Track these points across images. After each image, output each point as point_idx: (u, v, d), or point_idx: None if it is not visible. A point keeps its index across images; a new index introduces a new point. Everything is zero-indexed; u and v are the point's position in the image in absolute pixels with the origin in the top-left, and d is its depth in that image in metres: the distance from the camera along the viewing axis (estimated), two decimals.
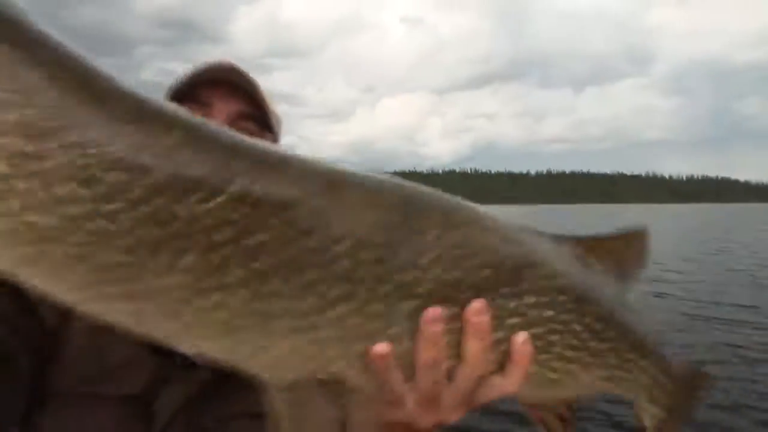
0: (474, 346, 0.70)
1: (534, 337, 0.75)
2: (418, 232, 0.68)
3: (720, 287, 13.76)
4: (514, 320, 0.74)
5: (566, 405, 0.89)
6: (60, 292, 0.59)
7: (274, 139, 1.20)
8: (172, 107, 0.62)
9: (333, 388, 0.70)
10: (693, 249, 23.18)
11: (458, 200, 0.76)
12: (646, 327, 0.90)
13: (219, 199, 0.59)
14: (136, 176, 0.57)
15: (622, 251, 0.89)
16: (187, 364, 0.99)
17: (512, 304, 0.74)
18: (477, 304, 0.69)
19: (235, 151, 0.62)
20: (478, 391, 0.74)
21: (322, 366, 0.68)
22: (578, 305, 0.79)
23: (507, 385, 0.74)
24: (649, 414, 0.95)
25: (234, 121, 1.10)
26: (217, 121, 0.98)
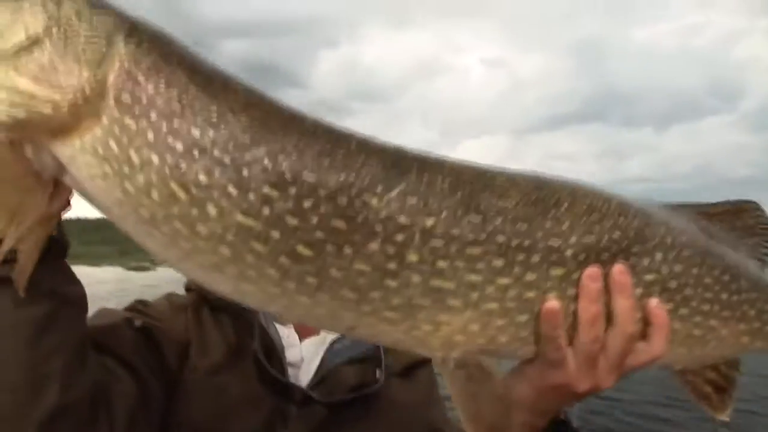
0: (622, 304, 0.82)
1: (670, 293, 0.87)
2: (554, 206, 0.81)
3: None
4: (650, 276, 0.85)
5: (718, 370, 0.97)
6: (259, 290, 0.71)
7: None
8: (342, 126, 0.80)
9: (490, 362, 0.79)
10: None
11: (578, 181, 0.89)
12: None
13: (392, 194, 0.74)
14: (323, 177, 0.71)
15: (733, 219, 0.97)
16: (305, 400, 1.13)
17: (645, 262, 0.85)
18: (619, 265, 0.82)
19: (399, 155, 0.79)
20: (629, 357, 0.86)
21: (492, 338, 0.80)
22: (703, 258, 0.89)
23: (653, 348, 0.86)
24: None
25: None
26: None
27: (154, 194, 0.70)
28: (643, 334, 0.86)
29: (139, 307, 1.16)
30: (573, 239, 0.79)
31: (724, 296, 0.91)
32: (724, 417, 1.01)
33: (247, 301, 0.78)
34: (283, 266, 0.69)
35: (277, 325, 1.20)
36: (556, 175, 0.87)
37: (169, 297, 1.23)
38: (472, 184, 0.77)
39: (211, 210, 0.68)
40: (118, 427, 0.94)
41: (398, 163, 0.76)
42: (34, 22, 0.72)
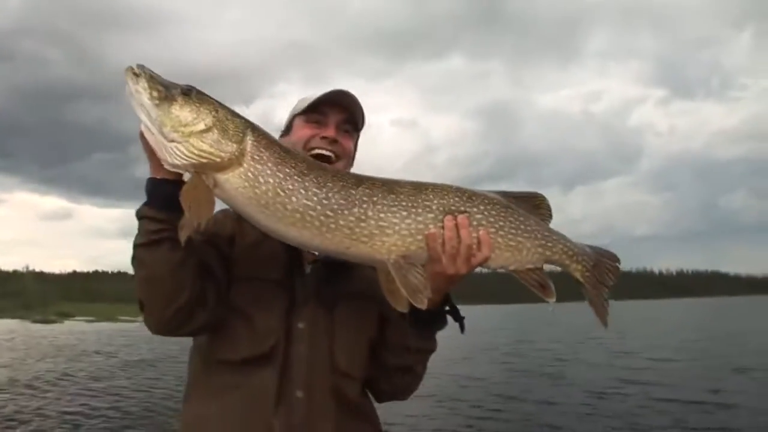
0: (463, 232, 1.54)
1: (491, 225, 1.60)
2: (424, 191, 1.59)
3: (697, 374, 14.10)
4: (479, 216, 1.59)
5: (536, 273, 1.65)
6: (299, 237, 1.52)
7: (358, 134, 1.93)
8: (346, 172, 1.67)
9: (411, 261, 1.54)
10: (676, 340, 23.57)
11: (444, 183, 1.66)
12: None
13: (355, 191, 1.54)
14: (328, 193, 1.51)
15: (528, 201, 1.70)
16: (315, 261, 1.76)
17: (475, 211, 1.59)
18: (461, 215, 1.56)
19: (369, 178, 1.59)
20: (472, 258, 1.55)
21: (407, 249, 1.54)
22: (507, 209, 1.63)
23: (483, 252, 1.56)
24: (575, 272, 1.71)
25: (339, 125, 1.83)
26: (330, 124, 1.82)
27: (269, 194, 1.47)
28: (479, 248, 1.55)
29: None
30: (435, 202, 1.56)
31: (523, 226, 1.63)
32: (551, 300, 1.64)
33: (304, 236, 1.52)
34: (320, 220, 1.50)
35: None
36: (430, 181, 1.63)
37: (222, 211, 1.76)
38: (384, 181, 1.58)
39: (293, 201, 1.48)
40: (212, 296, 1.62)
41: (363, 178, 1.57)
42: (207, 119, 1.47)
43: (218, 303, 1.65)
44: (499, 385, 13.47)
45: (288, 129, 1.90)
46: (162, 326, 1.61)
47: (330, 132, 1.81)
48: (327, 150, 1.80)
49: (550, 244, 1.67)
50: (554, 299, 1.66)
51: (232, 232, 1.76)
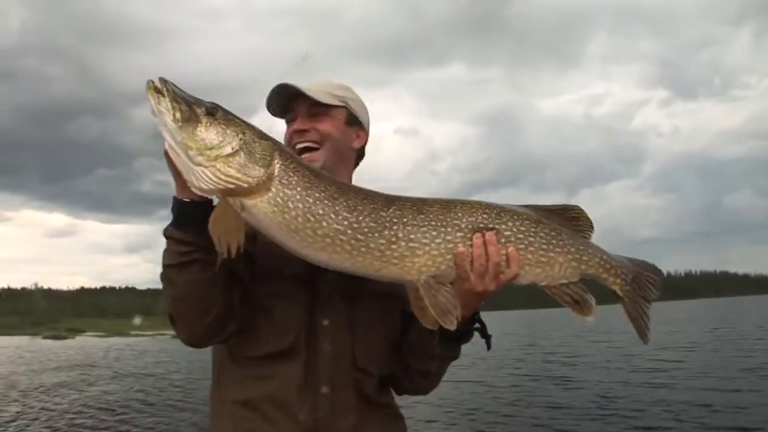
0: (491, 249, 1.53)
1: (520, 241, 1.57)
2: (453, 209, 1.58)
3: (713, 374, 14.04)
4: (507, 233, 1.57)
5: (570, 288, 1.61)
6: (341, 259, 1.50)
7: (349, 108, 1.83)
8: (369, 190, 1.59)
9: (441, 280, 1.53)
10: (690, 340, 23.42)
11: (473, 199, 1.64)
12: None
13: (389, 211, 1.53)
14: (360, 214, 1.50)
15: (564, 213, 1.67)
16: None
17: (503, 227, 1.57)
18: (489, 232, 1.55)
19: (391, 197, 1.57)
20: (500, 275, 1.54)
21: (437, 268, 1.54)
22: (537, 223, 1.60)
23: (512, 270, 1.55)
24: (613, 286, 1.66)
25: (307, 111, 1.76)
26: (296, 117, 1.78)
27: (298, 220, 1.45)
28: (508, 264, 1.53)
29: None
30: (465, 220, 1.53)
31: (555, 241, 1.59)
32: (589, 319, 1.59)
33: (334, 260, 1.50)
34: (351, 244, 1.48)
35: None
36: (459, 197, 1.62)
37: None
38: (413, 201, 1.56)
39: (324, 226, 1.46)
40: (239, 302, 1.63)
41: (392, 199, 1.54)
42: (234, 142, 1.43)
43: (243, 303, 1.65)
44: (507, 389, 13.46)
45: None
46: (194, 340, 1.65)
47: (297, 125, 1.78)
48: (302, 142, 1.76)
49: (585, 258, 1.63)
50: (592, 317, 1.62)
51: (253, 229, 1.66)
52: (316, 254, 1.51)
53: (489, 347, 1.74)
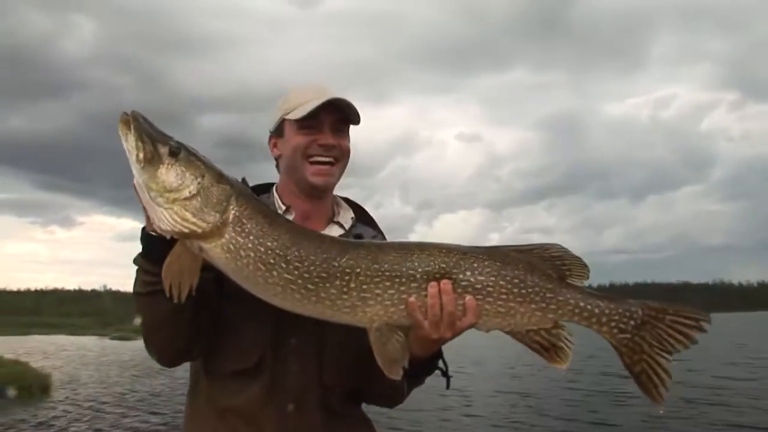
0: (446, 298, 1.49)
1: (478, 291, 1.51)
2: (410, 253, 1.53)
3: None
4: (464, 283, 1.51)
5: (540, 334, 1.53)
6: (292, 304, 1.51)
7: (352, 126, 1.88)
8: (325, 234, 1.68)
9: (394, 327, 1.51)
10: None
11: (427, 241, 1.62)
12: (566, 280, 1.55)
13: (343, 259, 1.52)
14: (314, 258, 1.51)
15: (543, 252, 1.57)
16: None
17: (461, 277, 1.52)
18: (445, 281, 1.50)
19: (348, 242, 1.61)
20: (456, 323, 1.50)
21: (390, 317, 1.51)
22: (499, 271, 1.53)
23: (468, 319, 1.51)
24: (602, 334, 1.52)
25: (333, 126, 1.80)
26: (325, 130, 1.79)
27: (249, 267, 1.47)
28: (464, 313, 1.49)
29: None
30: (420, 269, 1.50)
31: (516, 289, 1.51)
32: (563, 367, 1.51)
33: (286, 306, 1.52)
34: (301, 293, 1.48)
35: None
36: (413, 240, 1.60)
37: None
38: (370, 249, 1.53)
39: (274, 275, 1.47)
40: (207, 324, 1.66)
41: (348, 247, 1.53)
42: (192, 186, 1.45)
43: (211, 323, 1.69)
44: (555, 402, 13.11)
45: (279, 131, 1.87)
46: (163, 362, 1.72)
47: (328, 139, 1.78)
48: (325, 156, 1.78)
49: (552, 306, 1.53)
50: (565, 366, 1.52)
51: None
52: (268, 299, 1.53)
53: (448, 386, 1.73)
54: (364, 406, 1.93)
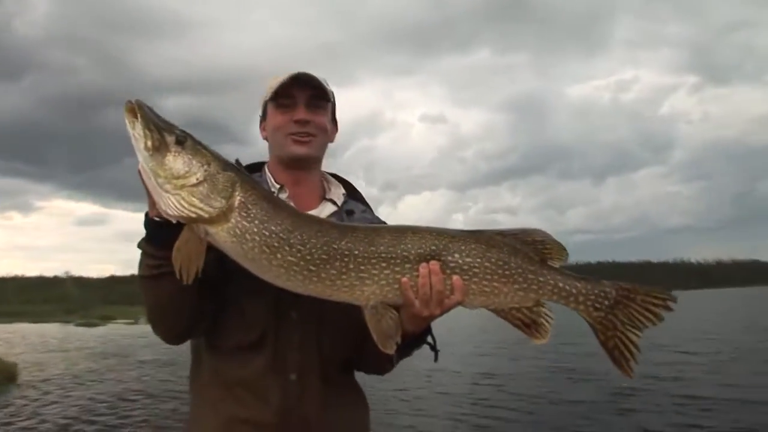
0: (434, 278, 1.59)
1: (465, 271, 1.62)
2: (404, 236, 1.63)
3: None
4: (452, 264, 1.62)
5: (522, 312, 1.64)
6: (296, 284, 1.60)
7: (333, 104, 2.02)
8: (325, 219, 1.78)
9: (388, 305, 1.62)
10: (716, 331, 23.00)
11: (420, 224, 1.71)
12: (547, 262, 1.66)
13: (337, 245, 1.60)
14: (316, 240, 1.60)
15: (525, 236, 1.67)
16: None
17: (449, 258, 1.62)
18: (434, 261, 1.61)
19: (346, 226, 1.69)
20: (444, 301, 1.61)
21: (385, 296, 1.62)
22: (484, 253, 1.63)
23: (455, 297, 1.62)
24: (580, 313, 1.64)
25: (308, 102, 1.90)
26: (299, 105, 1.88)
27: (255, 250, 1.53)
28: (452, 292, 1.60)
29: None
30: (413, 251, 1.59)
31: (501, 271, 1.62)
32: (541, 342, 1.64)
33: (289, 286, 1.60)
34: (303, 275, 1.57)
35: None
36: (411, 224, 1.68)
37: None
38: (366, 233, 1.62)
39: (278, 257, 1.55)
40: (210, 302, 1.74)
41: (346, 231, 1.62)
42: (199, 173, 1.51)
43: (214, 301, 1.77)
44: (509, 380, 13.42)
45: (264, 115, 2.00)
46: (169, 340, 1.81)
47: (300, 114, 1.89)
48: (301, 131, 1.89)
49: (534, 287, 1.64)
50: (543, 341, 1.63)
51: None
52: (272, 280, 1.62)
53: (436, 360, 1.84)
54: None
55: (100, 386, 14.60)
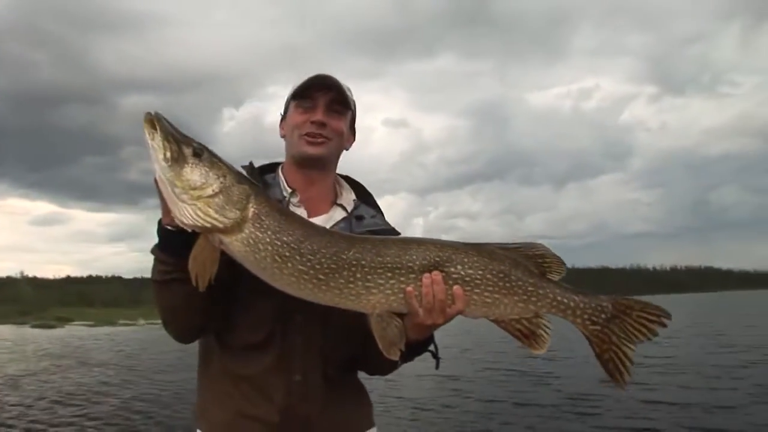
0: (437, 288, 1.66)
1: (467, 282, 1.68)
2: (408, 248, 1.70)
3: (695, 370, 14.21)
4: (455, 276, 1.68)
5: (522, 323, 1.70)
6: (306, 292, 1.68)
7: (353, 113, 2.07)
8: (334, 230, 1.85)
9: (393, 313, 1.69)
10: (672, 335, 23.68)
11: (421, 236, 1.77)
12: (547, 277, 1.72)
13: (345, 255, 1.67)
14: (325, 249, 1.67)
15: (527, 250, 1.73)
16: None
17: (452, 269, 1.68)
18: (436, 272, 1.67)
19: (352, 236, 1.76)
20: (446, 310, 1.67)
21: (390, 305, 1.68)
22: (486, 266, 1.69)
23: (457, 307, 1.68)
24: (576, 326, 1.71)
25: (327, 106, 1.95)
26: (318, 107, 1.94)
27: (267, 260, 1.60)
28: (453, 301, 1.65)
29: None
30: (417, 262, 1.65)
31: (501, 283, 1.66)
32: (539, 352, 1.68)
33: (300, 294, 1.66)
34: (313, 283, 1.63)
35: (292, 208, 1.94)
36: (417, 236, 1.75)
37: None
38: (374, 244, 1.68)
39: (289, 266, 1.62)
40: (221, 303, 1.80)
41: (354, 242, 1.68)
42: (215, 184, 1.58)
43: (224, 302, 1.83)
44: (475, 384, 13.62)
45: (286, 113, 2.04)
46: (181, 340, 1.89)
47: (318, 115, 1.93)
48: (316, 132, 1.93)
49: (534, 299, 1.70)
50: (542, 351, 1.70)
51: None
52: (283, 287, 1.69)
53: (437, 367, 1.92)
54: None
55: (57, 389, 14.29)
